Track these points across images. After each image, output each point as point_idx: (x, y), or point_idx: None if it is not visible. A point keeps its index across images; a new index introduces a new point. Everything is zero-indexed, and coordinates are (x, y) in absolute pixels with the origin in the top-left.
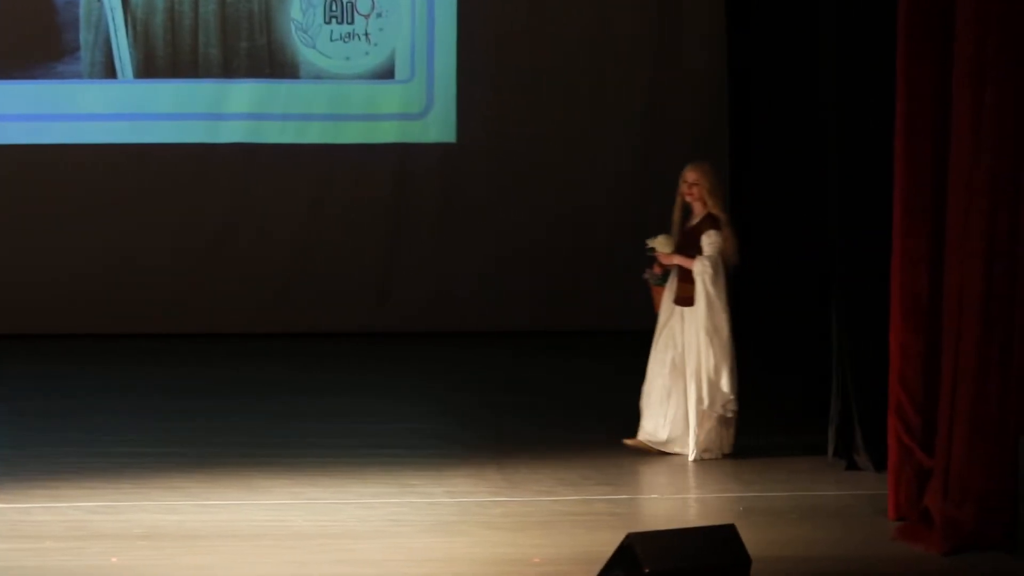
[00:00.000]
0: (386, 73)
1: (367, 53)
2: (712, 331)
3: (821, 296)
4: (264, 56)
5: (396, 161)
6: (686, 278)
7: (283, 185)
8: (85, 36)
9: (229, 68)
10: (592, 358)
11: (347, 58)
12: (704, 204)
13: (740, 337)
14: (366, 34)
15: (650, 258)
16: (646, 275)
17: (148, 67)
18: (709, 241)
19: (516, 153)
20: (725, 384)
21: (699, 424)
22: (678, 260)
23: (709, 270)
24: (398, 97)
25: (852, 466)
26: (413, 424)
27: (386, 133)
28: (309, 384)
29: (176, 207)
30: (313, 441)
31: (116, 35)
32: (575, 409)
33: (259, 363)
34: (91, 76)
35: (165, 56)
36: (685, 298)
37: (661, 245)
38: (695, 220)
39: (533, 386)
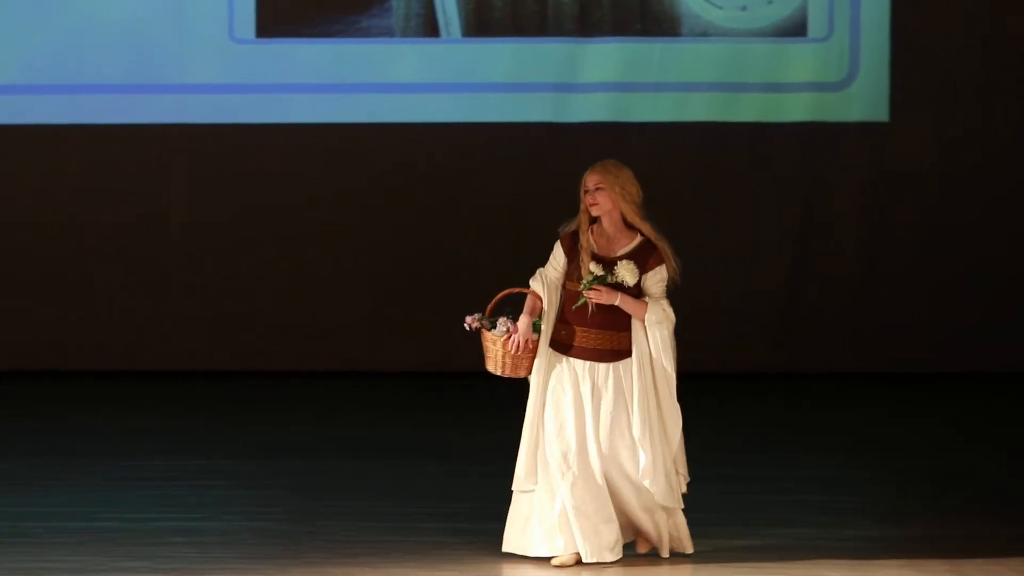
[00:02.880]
0: (796, 30)
1: (770, 2)
2: (671, 396)
3: None
4: (634, 7)
5: (805, 146)
6: (615, 325)
7: (648, 172)
8: None
9: (587, 23)
10: None
11: (743, 8)
12: (619, 217)
13: None
14: None
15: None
16: (478, 323)
17: (481, 23)
18: (657, 278)
19: (969, 138)
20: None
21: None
22: (626, 303)
23: (672, 316)
24: (811, 61)
25: None
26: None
27: (793, 109)
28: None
29: (512, 200)
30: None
31: None
32: None
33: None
34: (405, 34)
35: (503, 7)
36: (612, 352)
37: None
38: (622, 243)
39: None
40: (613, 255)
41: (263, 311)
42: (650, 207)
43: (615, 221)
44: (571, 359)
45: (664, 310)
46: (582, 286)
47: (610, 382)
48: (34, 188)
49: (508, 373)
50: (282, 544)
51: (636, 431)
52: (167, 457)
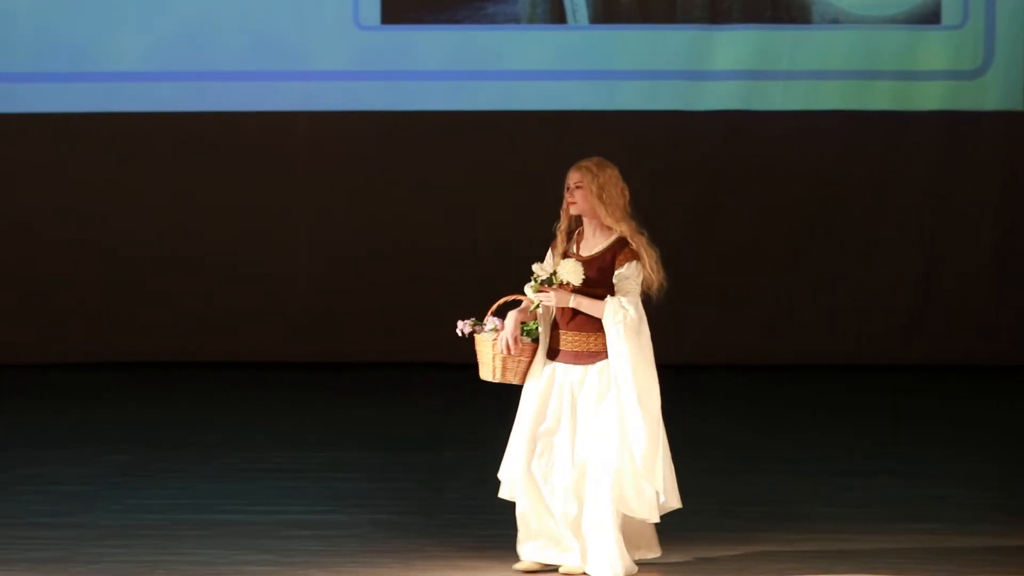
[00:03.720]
0: (929, 16)
1: None
2: (637, 402)
3: None
4: None
5: (940, 135)
6: (589, 326)
7: (779, 162)
8: None
9: (717, 10)
10: None
11: None
12: (595, 217)
13: None
14: None
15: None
16: (471, 327)
17: (608, 9)
18: (626, 275)
19: None
20: (659, 478)
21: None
22: (580, 303)
23: (632, 315)
24: (944, 48)
25: None
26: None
27: (927, 97)
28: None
29: (641, 186)
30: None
31: None
32: None
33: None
34: (531, 21)
35: None
36: (588, 353)
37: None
38: (598, 243)
39: None
40: (588, 254)
41: (394, 304)
42: (780, 195)
43: (594, 220)
44: (555, 363)
45: (623, 307)
46: (527, 288)
47: (585, 386)
48: (162, 173)
49: (498, 379)
50: (407, 537)
51: (596, 437)
52: (293, 449)
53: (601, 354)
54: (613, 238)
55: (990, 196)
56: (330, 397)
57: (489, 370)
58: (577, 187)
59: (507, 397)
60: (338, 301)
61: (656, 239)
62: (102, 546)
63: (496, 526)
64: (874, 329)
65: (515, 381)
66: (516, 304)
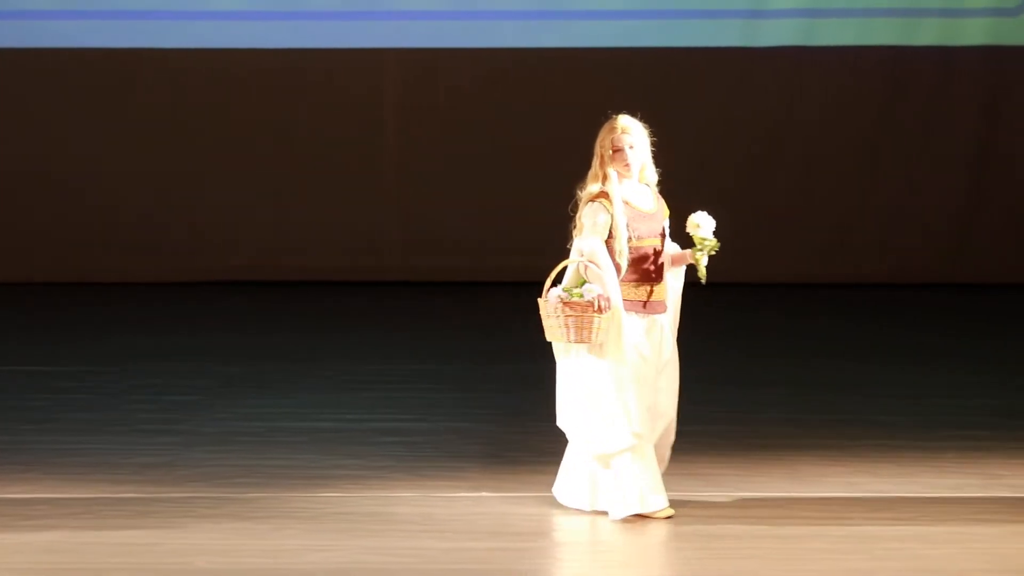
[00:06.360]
0: None
1: None
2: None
3: None
4: None
5: (983, 70)
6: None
7: (839, 95)
8: None
9: None
10: None
11: None
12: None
13: None
14: None
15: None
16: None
17: None
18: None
19: None
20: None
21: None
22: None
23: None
24: None
25: None
26: (990, 400)
27: (971, 33)
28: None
29: (703, 123)
30: (870, 418)
31: None
32: None
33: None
34: None
35: None
36: (662, 303)
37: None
38: (645, 196)
39: None
40: (651, 208)
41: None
42: (832, 128)
43: (631, 175)
44: (644, 315)
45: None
46: (706, 252)
47: (665, 333)
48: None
49: (578, 340)
50: (484, 443)
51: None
52: (383, 362)
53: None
54: (654, 192)
55: None
56: (412, 315)
57: (567, 332)
58: (631, 147)
59: None
60: (421, 219)
61: (720, 170)
62: (204, 451)
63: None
64: (918, 251)
65: (595, 341)
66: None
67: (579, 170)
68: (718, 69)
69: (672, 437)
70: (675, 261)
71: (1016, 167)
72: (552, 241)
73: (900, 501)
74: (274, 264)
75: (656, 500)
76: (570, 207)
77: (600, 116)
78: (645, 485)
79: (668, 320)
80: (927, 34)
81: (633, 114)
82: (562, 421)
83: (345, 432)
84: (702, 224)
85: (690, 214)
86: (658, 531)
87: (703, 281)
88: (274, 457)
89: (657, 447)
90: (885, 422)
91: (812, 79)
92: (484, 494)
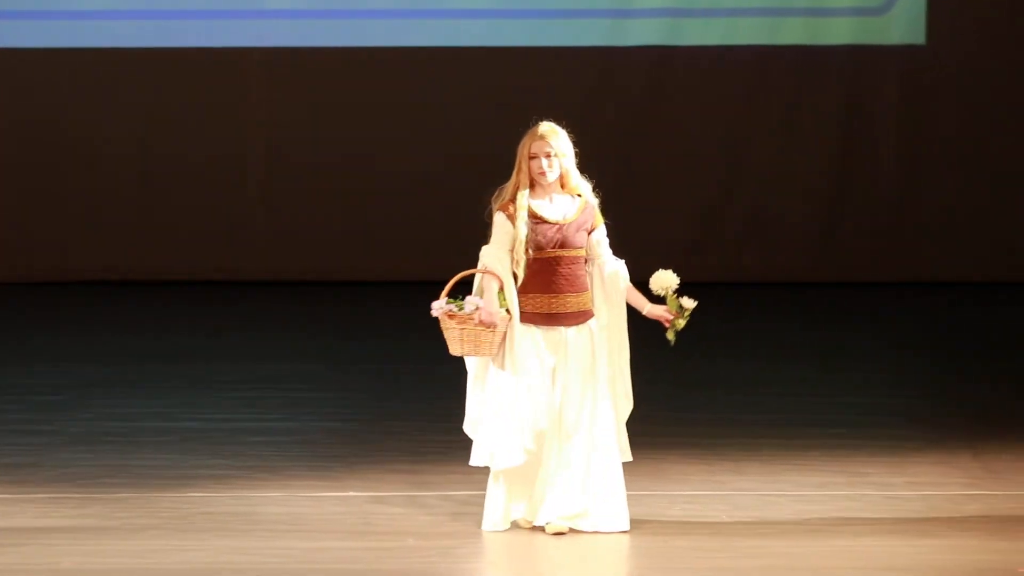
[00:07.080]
0: None
1: None
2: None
3: None
4: None
5: (847, 68)
6: (579, 285)
7: (705, 97)
8: None
9: None
10: None
11: None
12: (557, 183)
13: None
14: None
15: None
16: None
17: None
18: (602, 236)
19: (1006, 65)
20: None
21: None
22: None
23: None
24: None
25: None
26: (855, 398)
27: (836, 32)
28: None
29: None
30: (733, 417)
31: None
32: None
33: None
34: None
35: None
36: (581, 313)
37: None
38: (565, 206)
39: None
40: (565, 218)
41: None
42: (701, 128)
43: (552, 184)
44: (542, 327)
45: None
46: (682, 318)
47: (577, 345)
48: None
49: (473, 353)
50: (350, 443)
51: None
52: (249, 362)
53: (588, 313)
54: (580, 201)
55: (892, 125)
56: (282, 315)
57: (460, 345)
58: (553, 155)
59: None
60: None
61: (582, 167)
62: (70, 452)
63: (435, 432)
64: (783, 250)
65: (489, 354)
66: (466, 280)
67: (424, 169)
68: (583, 68)
69: (600, 451)
70: (649, 315)
71: (880, 166)
72: (433, 240)
73: (765, 499)
74: (136, 265)
75: (520, 509)
76: (486, 214)
77: (462, 113)
78: (512, 502)
79: (594, 329)
80: (792, 33)
81: (558, 121)
82: (467, 427)
83: (211, 432)
84: (673, 285)
85: (652, 274)
86: (520, 533)
87: (672, 343)
88: (140, 457)
89: (571, 462)
90: (749, 420)
91: (677, 78)
92: (350, 494)
